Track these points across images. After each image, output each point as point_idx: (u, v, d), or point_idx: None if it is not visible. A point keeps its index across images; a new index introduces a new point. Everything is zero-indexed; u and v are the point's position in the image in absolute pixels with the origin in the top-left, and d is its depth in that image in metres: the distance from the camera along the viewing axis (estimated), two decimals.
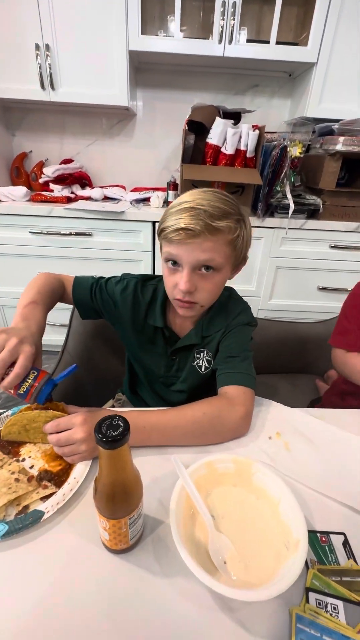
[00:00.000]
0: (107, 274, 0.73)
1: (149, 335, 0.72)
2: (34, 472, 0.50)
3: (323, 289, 1.73)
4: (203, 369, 0.70)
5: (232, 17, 1.45)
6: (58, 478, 0.49)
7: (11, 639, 0.33)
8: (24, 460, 0.52)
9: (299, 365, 1.21)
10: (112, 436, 0.31)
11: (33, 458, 0.52)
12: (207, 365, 0.70)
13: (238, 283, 1.94)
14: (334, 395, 0.92)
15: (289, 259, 1.65)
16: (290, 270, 1.69)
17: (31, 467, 0.51)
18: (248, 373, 0.63)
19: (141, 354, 0.75)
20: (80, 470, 0.49)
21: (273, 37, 1.50)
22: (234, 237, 0.56)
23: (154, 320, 0.70)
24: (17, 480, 0.47)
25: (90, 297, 0.72)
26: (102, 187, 1.80)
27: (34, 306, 0.60)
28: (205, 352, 0.70)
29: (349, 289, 0.87)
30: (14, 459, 0.52)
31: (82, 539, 0.42)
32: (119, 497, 0.34)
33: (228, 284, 0.67)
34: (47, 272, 0.71)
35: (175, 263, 0.58)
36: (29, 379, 0.50)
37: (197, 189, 0.59)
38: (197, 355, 0.71)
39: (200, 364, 0.71)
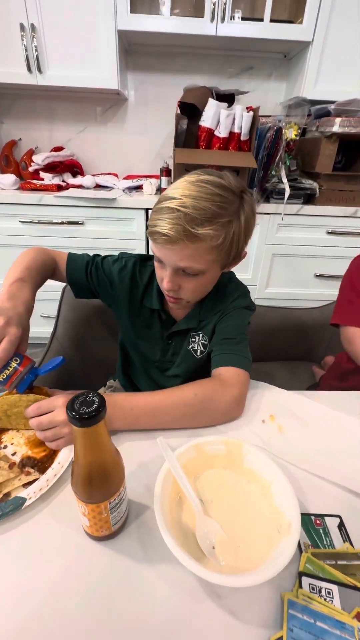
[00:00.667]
0: None
1: (145, 318, 0.70)
2: (16, 459, 0.48)
3: (320, 276, 1.70)
4: (199, 353, 0.68)
5: None
6: (42, 464, 0.47)
7: None
8: (5, 447, 0.50)
9: (296, 352, 1.19)
10: (85, 413, 0.29)
11: (16, 445, 0.50)
12: (202, 349, 0.68)
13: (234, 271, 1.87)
14: (333, 378, 0.90)
15: (285, 245, 1.61)
16: (287, 258, 1.66)
17: (13, 454, 0.49)
18: (244, 355, 0.61)
19: (137, 338, 0.72)
20: (65, 456, 0.47)
21: (267, 14, 1.45)
22: (217, 243, 0.52)
23: (150, 302, 0.68)
24: None
25: (86, 275, 0.68)
26: (93, 175, 1.76)
27: (22, 284, 0.55)
28: (200, 335, 0.68)
29: None
30: None
31: (64, 526, 0.40)
32: (97, 480, 0.32)
33: None
34: (38, 246, 0.67)
35: (160, 260, 0.56)
36: (11, 366, 0.47)
37: (190, 175, 0.54)
38: (193, 339, 0.69)
39: (196, 348, 0.69)
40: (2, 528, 0.39)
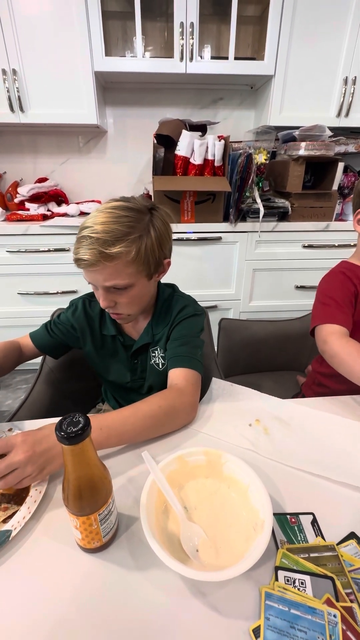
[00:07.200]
0: (86, 287, 0.75)
1: (108, 347, 0.75)
2: None
3: (300, 287, 1.78)
4: (161, 366, 0.73)
5: (191, 37, 1.52)
6: (17, 497, 0.47)
7: None
8: None
9: (280, 362, 1.24)
10: (72, 432, 0.32)
11: None
12: (163, 361, 0.72)
13: (217, 287, 1.95)
14: (312, 384, 0.95)
15: (265, 260, 1.70)
16: (267, 272, 1.73)
17: None
18: (195, 358, 0.66)
19: (106, 368, 0.77)
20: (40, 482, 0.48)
21: (231, 53, 1.58)
22: (132, 257, 0.57)
23: (107, 330, 0.73)
24: None
25: (49, 335, 0.76)
26: (77, 203, 1.83)
27: None
28: (158, 349, 0.73)
29: None
30: None
31: (58, 544, 0.42)
32: (86, 493, 0.35)
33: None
34: None
35: (92, 283, 0.62)
36: None
37: (102, 205, 0.60)
38: (153, 354, 0.73)
39: (157, 362, 0.73)
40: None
